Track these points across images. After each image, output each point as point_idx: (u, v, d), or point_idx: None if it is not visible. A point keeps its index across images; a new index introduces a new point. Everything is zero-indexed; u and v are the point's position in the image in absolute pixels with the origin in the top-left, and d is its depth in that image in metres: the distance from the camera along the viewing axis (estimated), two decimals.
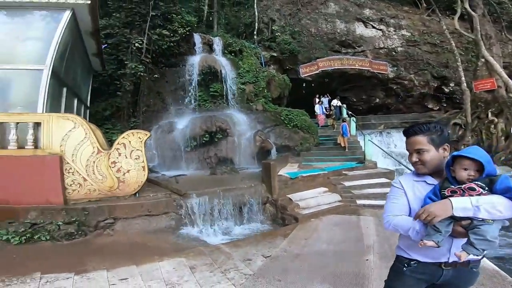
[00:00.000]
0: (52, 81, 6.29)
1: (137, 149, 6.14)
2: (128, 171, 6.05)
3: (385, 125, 17.55)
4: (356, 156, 11.25)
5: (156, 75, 11.81)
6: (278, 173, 7.50)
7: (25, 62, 6.32)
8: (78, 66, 8.89)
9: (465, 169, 1.47)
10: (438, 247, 1.48)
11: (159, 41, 11.65)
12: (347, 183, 8.25)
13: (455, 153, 1.52)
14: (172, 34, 11.87)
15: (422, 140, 1.62)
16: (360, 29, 17.99)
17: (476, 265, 1.65)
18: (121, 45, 11.35)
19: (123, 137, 6.13)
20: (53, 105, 6.48)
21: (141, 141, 6.17)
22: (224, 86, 12.20)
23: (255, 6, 17.26)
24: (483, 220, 1.40)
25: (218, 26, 17.60)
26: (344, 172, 9.25)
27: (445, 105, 18.08)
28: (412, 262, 1.71)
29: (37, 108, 5.89)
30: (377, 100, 19.02)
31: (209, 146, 10.45)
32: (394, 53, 17.77)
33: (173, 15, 12.20)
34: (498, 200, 1.41)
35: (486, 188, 1.44)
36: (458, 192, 1.47)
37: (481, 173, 1.46)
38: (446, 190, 1.50)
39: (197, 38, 13.54)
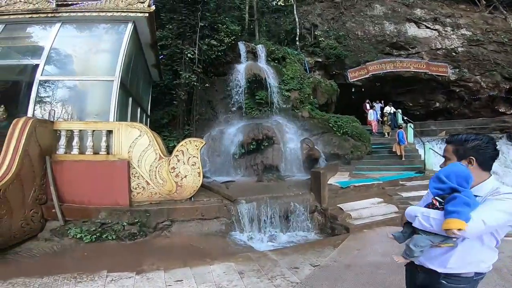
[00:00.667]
0: (120, 91, 6.95)
1: (194, 156, 6.53)
2: (186, 176, 6.45)
3: (447, 132, 15.87)
4: (414, 166, 10.41)
5: (207, 84, 12.37)
6: (328, 182, 7.28)
7: (97, 73, 7.09)
8: (140, 77, 9.73)
9: None
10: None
11: (208, 51, 12.14)
12: (404, 194, 7.68)
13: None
14: (219, 44, 12.32)
15: (449, 149, 1.71)
16: (412, 30, 16.87)
17: (451, 279, 1.65)
18: (175, 55, 12.08)
19: (182, 145, 6.58)
20: (121, 114, 7.17)
21: (197, 149, 6.56)
22: (269, 94, 12.32)
23: (295, 12, 17.21)
24: (420, 230, 1.61)
25: (260, 34, 17.89)
26: (401, 182, 8.63)
27: None
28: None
29: (109, 117, 6.58)
30: (437, 104, 17.41)
31: (256, 154, 10.61)
32: (454, 53, 16.23)
33: (219, 25, 12.68)
34: (434, 216, 1.55)
35: (443, 203, 1.55)
36: (433, 203, 1.62)
37: (451, 191, 1.56)
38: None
39: (241, 46, 13.89)
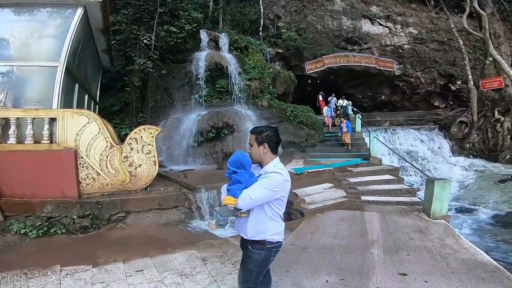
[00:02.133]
0: (66, 78, 6.42)
1: (149, 144, 6.29)
2: (140, 165, 6.21)
3: (390, 122, 17.56)
4: (361, 153, 11.36)
5: (164, 71, 11.94)
6: None
7: (40, 59, 6.45)
8: (88, 62, 9.03)
9: None
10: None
11: (166, 38, 11.72)
12: (352, 180, 8.38)
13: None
14: (179, 31, 11.94)
15: (252, 137, 2.14)
16: (366, 26, 17.94)
17: (253, 245, 2.12)
18: (130, 41, 11.46)
19: (135, 132, 6.28)
20: (66, 101, 6.63)
21: (153, 136, 6.32)
22: (230, 82, 12.29)
23: (261, 3, 17.23)
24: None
25: (224, 22, 17.61)
26: (349, 168, 9.38)
27: (451, 103, 17.98)
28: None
29: (52, 104, 6.04)
30: (383, 97, 18.98)
31: (216, 142, 10.61)
32: (400, 50, 17.73)
33: (180, 11, 12.26)
34: (223, 193, 2.10)
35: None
36: None
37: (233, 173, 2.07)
38: None
39: (203, 34, 13.59)
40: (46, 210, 5.31)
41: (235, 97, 12.29)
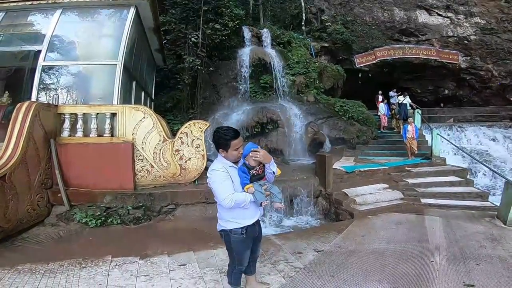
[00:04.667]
0: (124, 75, 6.87)
1: (198, 138, 6.44)
2: (190, 159, 6.39)
3: (455, 119, 15.59)
4: (421, 152, 10.23)
5: (211, 68, 12.27)
6: (333, 167, 7.20)
7: (100, 58, 7.02)
8: (144, 61, 9.62)
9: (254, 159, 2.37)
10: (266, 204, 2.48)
11: (212, 35, 12.01)
12: (410, 180, 7.59)
13: (249, 150, 2.33)
14: (223, 28, 12.16)
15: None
16: (423, 17, 16.37)
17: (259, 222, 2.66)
18: (179, 40, 11.96)
19: (186, 127, 6.48)
20: (125, 97, 7.12)
21: (201, 131, 6.45)
22: (274, 78, 12.14)
23: None
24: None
25: (265, 18, 17.53)
26: (407, 168, 8.51)
27: None
28: (244, 228, 2.42)
29: (112, 100, 6.53)
30: (446, 91, 17.05)
31: (260, 137, 10.54)
32: (466, 41, 15.77)
33: (223, 9, 12.46)
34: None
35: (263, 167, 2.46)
36: (259, 171, 2.41)
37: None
38: (253, 170, 2.38)
39: (246, 31, 13.71)
40: (105, 200, 5.64)
41: (280, 93, 12.11)
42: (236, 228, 2.43)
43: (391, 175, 7.94)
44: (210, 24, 11.94)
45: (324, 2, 17.19)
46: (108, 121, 6.16)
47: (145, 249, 4.21)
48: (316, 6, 17.05)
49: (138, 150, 6.17)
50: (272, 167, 2.42)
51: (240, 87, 12.34)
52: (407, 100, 12.87)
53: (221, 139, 2.34)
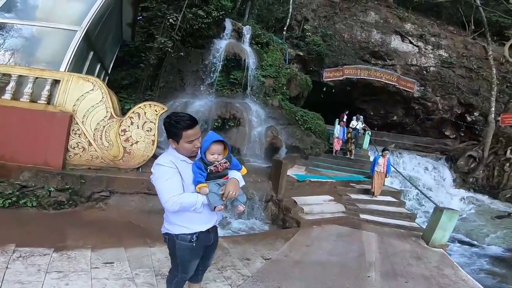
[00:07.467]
0: (82, 44, 6.14)
1: (151, 122, 5.91)
2: (137, 142, 5.81)
3: (396, 145, 17.19)
4: (364, 170, 11.03)
5: (182, 54, 11.72)
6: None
7: (62, 21, 6.17)
8: (110, 33, 8.76)
9: (212, 154, 1.99)
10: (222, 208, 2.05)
11: (192, 21, 11.55)
12: (353, 196, 8.11)
13: (209, 142, 1.97)
14: (206, 16, 11.77)
15: (199, 128, 2.02)
16: (396, 42, 17.58)
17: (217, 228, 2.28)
18: (155, 19, 11.35)
19: (139, 107, 5.94)
20: (76, 66, 6.37)
21: (157, 114, 5.93)
22: (245, 76, 12.00)
23: (291, 2, 16.94)
24: None
25: (250, 16, 17.36)
26: (351, 184, 9.09)
27: (462, 134, 17.57)
28: (195, 235, 2.03)
29: (60, 67, 5.76)
30: (395, 117, 18.59)
31: (219, 132, 10.29)
32: (425, 72, 17.27)
33: None
34: (239, 174, 2.10)
35: (228, 162, 2.06)
36: (218, 167, 2.01)
37: (227, 153, 2.06)
38: (211, 166, 1.99)
39: (228, 23, 13.37)
40: (22, 177, 4.76)
41: (247, 92, 12.02)
42: (185, 234, 2.02)
43: (336, 188, 8.40)
44: (193, 9, 11.43)
45: (310, 12, 17.56)
46: (47, 87, 5.40)
47: (63, 240, 3.60)
48: (302, 14, 17.34)
49: (76, 124, 5.45)
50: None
51: (208, 78, 11.96)
52: (359, 125, 13.09)
53: (172, 127, 1.92)
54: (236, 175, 2.07)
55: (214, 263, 3.52)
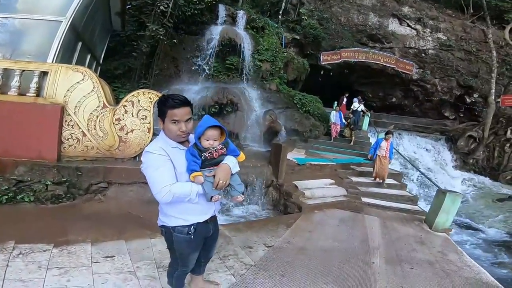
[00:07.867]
0: (68, 34, 5.92)
1: (145, 109, 5.72)
2: (132, 130, 5.65)
3: (395, 126, 17.09)
4: (364, 152, 10.93)
5: (175, 41, 11.43)
6: None
7: (46, 12, 5.93)
8: (98, 23, 8.46)
9: (207, 140, 1.84)
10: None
11: (184, 7, 11.26)
12: (354, 179, 8.04)
13: (204, 127, 1.80)
14: (198, 1, 11.46)
15: (190, 111, 1.82)
16: (393, 26, 17.26)
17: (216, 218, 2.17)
18: (146, 7, 11.04)
19: (133, 95, 5.73)
20: (64, 57, 6.14)
21: (151, 102, 5.74)
22: (241, 60, 11.74)
23: None
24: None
25: (244, 0, 16.84)
26: (352, 166, 9.00)
27: (462, 115, 17.48)
28: (193, 227, 1.91)
29: (47, 58, 5.57)
30: (394, 99, 18.40)
31: (217, 118, 10.08)
32: (423, 54, 17.04)
33: None
34: (234, 159, 1.93)
35: (225, 148, 1.92)
36: (214, 154, 1.85)
37: (223, 138, 1.91)
38: (206, 153, 1.83)
39: (222, 8, 12.99)
40: (17, 172, 4.63)
41: (244, 77, 11.77)
42: (181, 226, 1.90)
43: (337, 171, 8.32)
44: None
45: None
46: (35, 79, 5.19)
47: (63, 234, 3.51)
48: None
49: (69, 115, 5.27)
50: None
51: (203, 64, 11.66)
52: (361, 108, 13.01)
53: (160, 104, 1.80)
54: (229, 160, 1.90)
55: (216, 252, 3.42)
